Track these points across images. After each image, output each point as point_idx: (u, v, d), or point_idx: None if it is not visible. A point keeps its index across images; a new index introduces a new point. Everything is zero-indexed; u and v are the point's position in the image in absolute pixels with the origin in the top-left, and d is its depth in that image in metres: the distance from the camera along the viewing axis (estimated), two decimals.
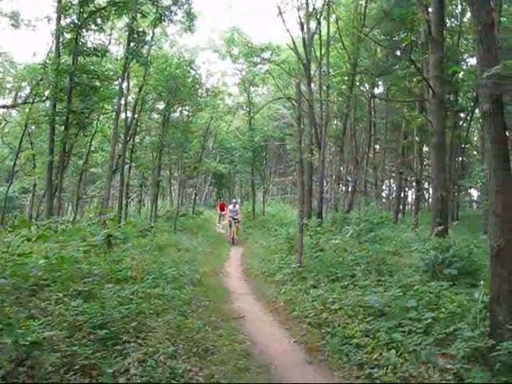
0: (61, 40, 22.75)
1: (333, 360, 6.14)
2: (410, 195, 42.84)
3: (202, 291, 9.78)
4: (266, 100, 42.02)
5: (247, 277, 12.89)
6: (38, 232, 12.82)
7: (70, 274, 8.35)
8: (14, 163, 31.60)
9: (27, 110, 30.61)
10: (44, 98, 27.30)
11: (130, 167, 29.37)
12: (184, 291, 9.14)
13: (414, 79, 19.21)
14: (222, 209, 28.16)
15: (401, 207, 32.48)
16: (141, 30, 23.75)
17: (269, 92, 44.83)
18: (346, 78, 27.93)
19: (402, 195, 35.39)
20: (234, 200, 25.76)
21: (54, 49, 24.30)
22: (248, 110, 40.32)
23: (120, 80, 23.74)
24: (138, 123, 29.62)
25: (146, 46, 25.36)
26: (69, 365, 4.95)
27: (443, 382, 5.10)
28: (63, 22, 22.49)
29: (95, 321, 6.02)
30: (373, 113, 31.80)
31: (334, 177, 34.83)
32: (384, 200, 44.38)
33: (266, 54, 35.82)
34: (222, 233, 25.64)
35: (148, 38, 25.16)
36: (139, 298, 7.58)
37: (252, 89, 41.57)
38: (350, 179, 33.83)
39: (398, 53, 26.51)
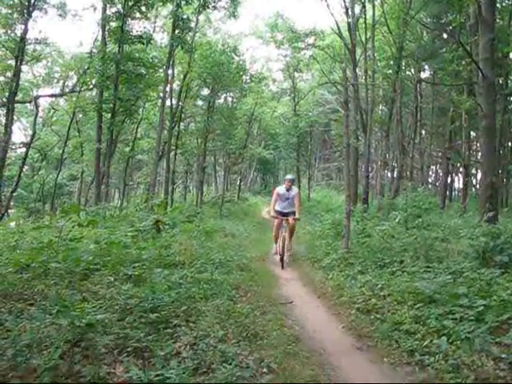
0: (106, 29, 23.05)
1: (382, 346, 6.07)
2: (457, 181, 42.13)
3: (250, 276, 9.78)
4: (311, 86, 41.74)
5: (294, 262, 12.86)
6: (87, 218, 13.11)
7: (120, 258, 8.49)
8: (63, 151, 32.20)
9: (75, 98, 31.12)
10: (91, 86, 27.74)
11: (175, 154, 29.62)
12: (232, 276, 9.16)
13: (463, 62, 18.81)
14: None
15: (447, 193, 31.97)
16: (185, 16, 23.81)
17: (313, 77, 44.52)
18: (392, 63, 27.49)
19: (449, 181, 34.83)
20: (287, 177, 13.75)
21: (100, 38, 24.63)
22: (292, 95, 40.18)
23: (165, 67, 23.87)
24: (183, 110, 29.78)
25: (191, 33, 25.45)
26: (121, 347, 5.03)
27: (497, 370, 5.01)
28: (109, 11, 22.77)
29: (146, 304, 6.10)
30: (419, 97, 31.26)
31: (379, 162, 34.45)
32: (430, 186, 43.70)
33: (311, 39, 35.55)
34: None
35: (192, 24, 25.21)
36: (188, 283, 7.64)
37: (296, 74, 41.46)
38: (395, 165, 33.43)
39: (445, 35, 25.96)
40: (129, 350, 4.99)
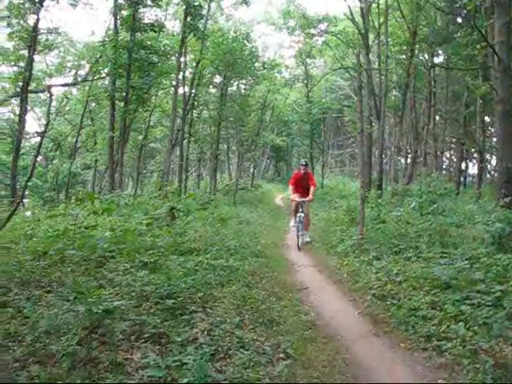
0: (118, 17, 23.00)
1: (399, 332, 6.05)
2: (471, 167, 41.81)
3: (265, 263, 9.79)
4: (324, 72, 41.51)
5: (309, 248, 12.84)
6: (102, 206, 13.17)
7: (135, 245, 8.54)
8: (76, 140, 32.29)
9: (87, 87, 31.17)
10: (103, 75, 27.76)
11: (188, 141, 29.63)
12: (247, 262, 9.17)
13: (478, 46, 18.55)
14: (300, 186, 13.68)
15: (462, 179, 31.75)
16: (197, 3, 23.73)
17: (326, 64, 44.25)
18: (405, 48, 27.26)
19: (463, 167, 34.59)
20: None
21: (111, 26, 24.59)
22: (305, 82, 39.98)
23: (177, 55, 23.83)
24: (196, 97, 29.74)
25: (202, 21, 25.33)
26: (138, 333, 5.07)
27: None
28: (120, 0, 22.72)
29: (162, 291, 6.13)
30: (433, 82, 30.93)
31: (393, 148, 34.27)
32: (444, 172, 43.45)
33: (323, 26, 35.28)
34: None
35: (204, 11, 25.12)
36: (204, 269, 7.66)
37: (309, 61, 41.22)
38: (409, 151, 33.23)
39: (460, 19, 25.65)
40: (146, 336, 5.02)
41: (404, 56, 28.05)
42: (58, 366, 4.25)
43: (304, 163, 14.14)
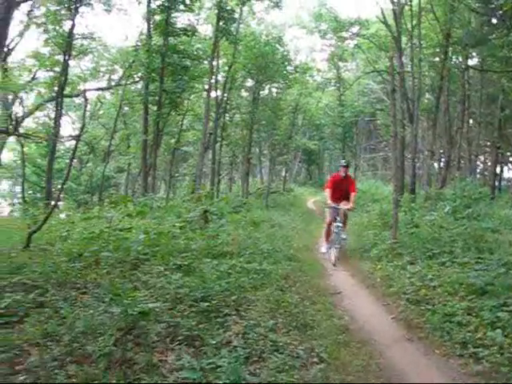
0: (151, 22, 23.24)
1: (433, 337, 5.97)
2: (506, 171, 41.11)
3: (298, 266, 9.77)
4: (356, 75, 41.31)
5: (342, 252, 12.78)
6: (135, 209, 13.30)
7: (168, 248, 8.60)
8: (110, 143, 32.64)
9: (121, 91, 31.53)
10: (137, 79, 28.06)
11: (221, 145, 29.73)
12: (280, 266, 9.17)
13: None
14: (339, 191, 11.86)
15: (496, 183, 31.23)
16: (229, 8, 23.85)
17: (358, 67, 44.04)
18: (439, 50, 26.95)
19: (498, 171, 34.02)
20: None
21: (145, 31, 24.84)
22: (337, 85, 39.83)
23: (210, 59, 23.95)
24: (228, 101, 29.83)
25: (235, 24, 25.42)
26: (173, 335, 5.11)
27: None
28: (153, 5, 22.94)
29: (196, 294, 6.16)
30: (467, 85, 30.52)
31: (426, 152, 33.89)
32: (478, 176, 42.82)
33: (355, 29, 35.17)
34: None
35: (236, 15, 25.23)
36: (237, 273, 7.69)
37: (341, 64, 41.05)
38: (443, 155, 32.84)
39: (495, 20, 25.27)
40: (180, 338, 5.06)
41: (437, 58, 27.71)
42: (94, 366, 4.30)
43: (344, 164, 12.13)
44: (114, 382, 4.13)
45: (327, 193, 11.72)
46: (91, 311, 5.32)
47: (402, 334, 6.32)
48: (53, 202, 15.41)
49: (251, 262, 8.74)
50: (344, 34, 35.37)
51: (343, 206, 11.51)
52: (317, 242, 14.81)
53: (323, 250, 12.00)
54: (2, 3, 14.83)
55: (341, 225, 11.23)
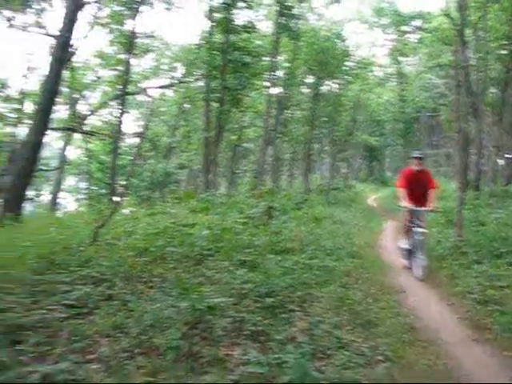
0: (212, 20, 23.48)
1: (502, 339, 5.80)
2: None
3: (360, 263, 9.67)
4: (418, 70, 40.59)
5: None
6: (198, 205, 13.46)
7: (232, 244, 8.66)
8: (171, 140, 33.13)
9: (182, 89, 31.97)
10: (199, 76, 28.37)
11: (282, 141, 29.77)
12: (342, 263, 9.11)
13: None
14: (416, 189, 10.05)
15: None
16: (289, 4, 23.87)
17: (420, 61, 43.26)
18: (505, 42, 26.18)
19: None
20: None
21: (205, 29, 25.11)
22: (398, 80, 39.28)
23: (271, 55, 24.03)
24: (289, 97, 29.83)
25: (295, 21, 25.40)
26: (238, 330, 5.14)
27: None
28: (214, 3, 23.17)
29: (261, 289, 6.18)
30: None
31: (491, 148, 32.99)
32: None
33: (417, 22, 34.61)
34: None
35: (296, 11, 25.22)
36: (300, 269, 7.68)
37: (402, 59, 40.44)
38: (509, 150, 31.88)
39: None
40: (245, 333, 5.08)
41: (504, 51, 26.90)
42: (162, 359, 4.38)
43: (419, 155, 10.30)
44: (182, 374, 4.18)
45: (402, 193, 9.87)
46: (158, 305, 5.41)
47: (468, 334, 6.17)
48: (117, 198, 15.78)
49: (314, 259, 8.72)
50: (406, 28, 34.86)
51: (424, 207, 9.75)
52: (378, 238, 14.68)
53: (404, 244, 10.11)
54: (69, 6, 15.29)
55: (422, 231, 9.47)
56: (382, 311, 6.67)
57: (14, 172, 14.14)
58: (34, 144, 13.76)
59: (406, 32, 35.82)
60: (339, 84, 34.88)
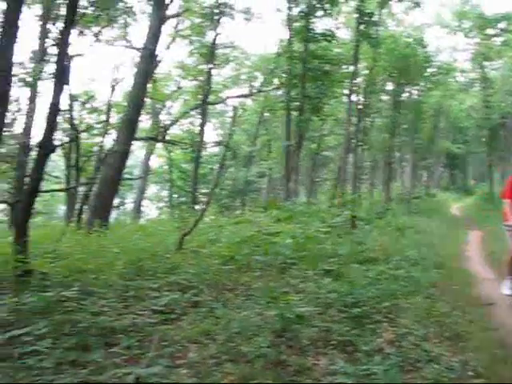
0: (291, 28, 23.60)
1: None
2: None
3: (446, 275, 9.41)
4: (503, 74, 39.28)
5: (490, 261, 12.16)
6: (279, 213, 13.52)
7: (315, 253, 8.63)
8: (252, 149, 33.43)
9: (261, 98, 32.22)
10: (278, 85, 28.55)
11: (362, 149, 29.53)
12: (428, 274, 8.91)
13: None
14: None
15: None
16: (369, 11, 23.73)
17: (506, 65, 41.84)
18: None
19: None
20: None
21: (284, 38, 25.27)
22: (482, 86, 38.18)
23: (351, 63, 23.92)
24: (369, 105, 29.56)
25: (375, 28, 25.20)
26: (324, 340, 5.10)
27: None
28: (293, 12, 23.29)
29: (346, 299, 6.14)
30: None
31: None
32: None
33: (502, 25, 33.52)
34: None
35: (376, 18, 25.02)
36: (385, 279, 7.58)
37: (486, 63, 39.28)
38: None
39: None
40: (332, 343, 5.03)
41: None
42: (249, 366, 4.42)
43: None
44: (270, 382, 4.20)
45: (506, 206, 7.68)
46: (244, 313, 5.47)
47: None
48: (202, 206, 16.05)
49: (399, 269, 8.57)
50: (490, 31, 33.80)
51: None
52: (463, 249, 14.27)
53: (507, 290, 7.98)
54: (153, 20, 15.77)
55: None
56: (470, 325, 6.47)
57: (102, 180, 14.65)
58: (122, 153, 14.21)
59: (490, 35, 34.71)
60: (420, 91, 34.28)
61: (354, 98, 26.78)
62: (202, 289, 6.54)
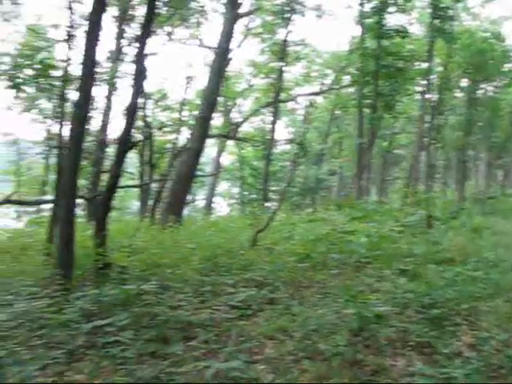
0: (364, 25, 23.36)
1: None
2: None
3: None
4: None
5: None
6: (352, 212, 13.43)
7: (390, 252, 8.52)
8: (323, 147, 33.30)
9: (333, 95, 32.04)
10: (350, 82, 28.32)
11: (434, 147, 28.90)
12: (508, 277, 8.62)
13: None
14: None
15: None
16: (444, 5, 23.21)
17: None
18: None
19: None
20: None
21: (356, 35, 25.03)
22: None
23: (425, 59, 23.47)
24: (443, 102, 28.88)
25: (449, 22, 24.61)
26: (402, 340, 5.03)
27: None
28: (365, 8, 23.05)
29: (424, 300, 6.03)
30: None
31: None
32: None
33: None
34: None
35: (451, 13, 24.45)
36: (462, 281, 7.39)
37: None
38: None
39: None
40: (410, 344, 4.95)
41: None
42: (326, 364, 4.42)
43: None
44: (347, 382, 4.19)
45: None
46: (320, 310, 5.47)
47: None
48: (271, 204, 16.13)
49: (477, 271, 8.34)
50: None
51: None
52: None
53: None
54: (227, 19, 15.95)
55: None
56: None
57: (176, 177, 14.94)
58: (195, 150, 14.45)
59: None
60: (496, 87, 33.23)
61: (427, 95, 26.25)
62: (277, 286, 6.60)
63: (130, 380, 4.13)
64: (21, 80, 13.88)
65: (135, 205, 29.33)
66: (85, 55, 7.23)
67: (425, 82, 24.29)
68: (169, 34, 23.80)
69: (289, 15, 25.74)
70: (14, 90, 15.84)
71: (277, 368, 4.38)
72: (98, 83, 19.43)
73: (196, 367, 4.27)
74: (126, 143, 8.34)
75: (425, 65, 24.71)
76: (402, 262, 7.91)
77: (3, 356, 4.47)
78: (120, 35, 20.83)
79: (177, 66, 40.77)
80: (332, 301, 5.81)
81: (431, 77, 27.67)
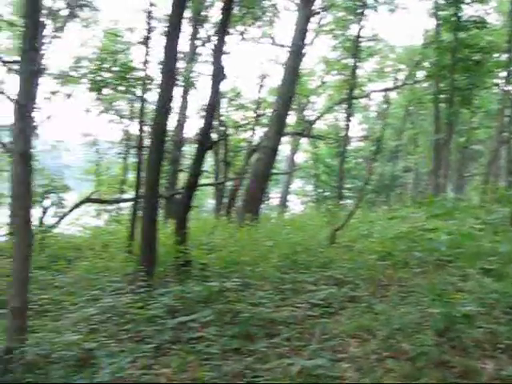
0: (439, 17, 22.82)
1: None
2: None
3: None
4: None
5: None
6: (431, 209, 13.16)
7: (472, 251, 8.29)
8: (398, 143, 32.78)
9: (406, 91, 31.48)
10: (425, 77, 27.73)
11: None
12: None
13: None
14: None
15: None
16: None
17: None
18: None
19: None
20: None
21: (430, 28, 24.51)
22: None
23: (506, 50, 22.66)
24: None
25: None
26: (490, 342, 4.85)
27: None
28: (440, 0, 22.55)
29: (510, 300, 5.83)
30: None
31: None
32: None
33: None
34: None
35: None
36: None
37: None
38: None
39: None
40: (499, 346, 4.76)
41: None
42: (411, 364, 4.36)
43: None
44: (435, 382, 4.12)
45: None
46: (403, 309, 5.40)
47: None
48: (346, 201, 16.01)
49: None
50: None
51: None
52: None
53: None
54: (301, 17, 15.93)
55: None
56: None
57: (253, 175, 15.06)
58: (271, 148, 14.52)
59: None
60: None
61: (507, 87, 25.37)
62: (358, 284, 6.57)
63: (215, 375, 4.23)
64: (102, 83, 14.30)
65: (210, 203, 29.72)
66: (165, 56, 7.41)
67: (504, 74, 23.40)
68: (241, 33, 24.01)
69: (361, 10, 25.45)
70: (95, 93, 16.38)
71: (361, 367, 4.38)
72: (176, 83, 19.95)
73: (280, 364, 4.32)
74: (205, 143, 8.49)
75: (504, 56, 23.86)
76: (485, 260, 7.67)
77: (95, 348, 4.68)
78: (194, 36, 21.20)
79: (250, 64, 40.97)
80: (415, 299, 5.73)
81: (511, 69, 26.76)
